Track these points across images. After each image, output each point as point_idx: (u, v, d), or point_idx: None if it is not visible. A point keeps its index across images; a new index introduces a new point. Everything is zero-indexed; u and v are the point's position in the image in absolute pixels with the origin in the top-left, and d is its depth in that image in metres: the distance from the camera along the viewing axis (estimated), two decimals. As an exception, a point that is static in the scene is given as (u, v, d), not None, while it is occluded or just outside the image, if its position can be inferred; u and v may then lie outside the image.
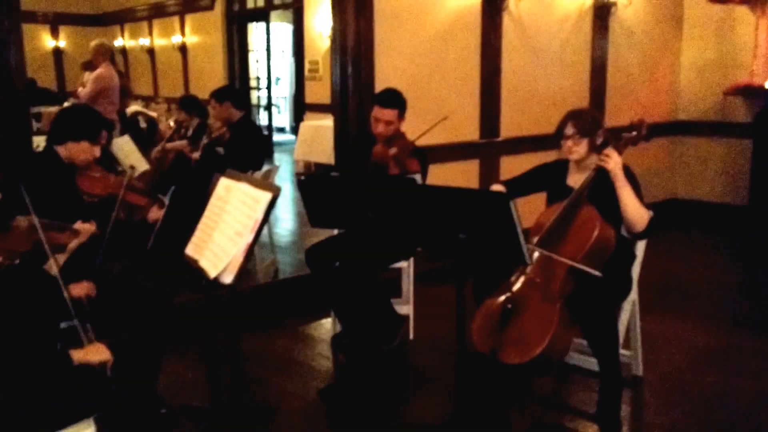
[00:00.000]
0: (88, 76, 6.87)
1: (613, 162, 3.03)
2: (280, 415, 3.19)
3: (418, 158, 3.67)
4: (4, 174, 2.31)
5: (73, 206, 2.94)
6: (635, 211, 3.04)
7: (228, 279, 2.31)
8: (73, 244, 2.61)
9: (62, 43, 13.52)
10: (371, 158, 3.68)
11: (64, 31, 13.52)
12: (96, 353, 2.25)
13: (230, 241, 2.34)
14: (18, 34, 3.33)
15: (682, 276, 5.29)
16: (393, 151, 3.62)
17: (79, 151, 3.02)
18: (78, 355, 2.20)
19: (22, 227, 2.40)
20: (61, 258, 2.54)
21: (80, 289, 2.59)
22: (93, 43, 6.84)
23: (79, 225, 2.65)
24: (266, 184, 2.38)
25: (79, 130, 3.02)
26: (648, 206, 3.10)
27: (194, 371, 3.53)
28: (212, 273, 2.37)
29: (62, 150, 3.01)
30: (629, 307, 3.26)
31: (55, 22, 13.47)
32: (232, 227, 2.38)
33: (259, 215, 2.28)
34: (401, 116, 3.76)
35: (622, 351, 3.23)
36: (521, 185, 3.39)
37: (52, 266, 2.40)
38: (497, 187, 3.33)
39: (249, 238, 2.28)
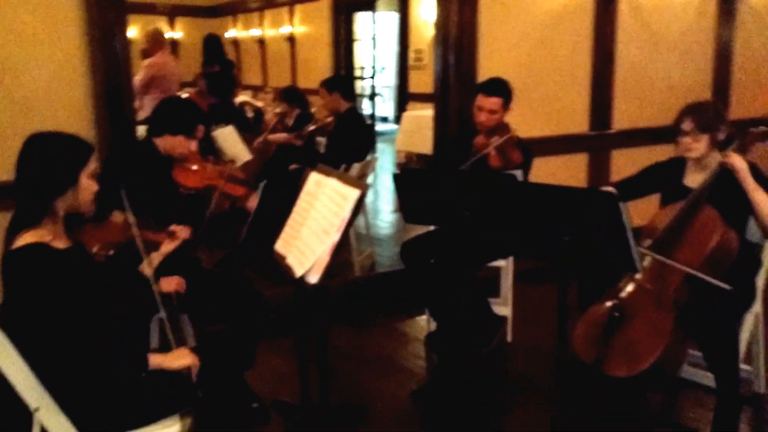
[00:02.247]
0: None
1: (738, 163, 2.76)
2: (370, 415, 3.12)
3: (523, 150, 3.49)
4: (104, 165, 2.35)
5: (170, 198, 2.96)
6: None
7: (313, 279, 2.24)
8: (167, 247, 2.61)
9: (178, 34, 14.02)
10: (472, 150, 3.52)
11: (180, 22, 14.02)
12: (175, 359, 2.20)
13: (317, 239, 2.27)
14: (122, 24, 3.38)
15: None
16: (495, 141, 3.45)
17: (176, 144, 3.04)
18: (156, 360, 2.16)
19: (117, 222, 2.42)
20: (155, 260, 2.55)
21: (170, 284, 2.59)
22: (148, 30, 6.54)
23: (174, 228, 2.64)
24: (355, 181, 2.29)
25: (177, 124, 3.04)
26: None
27: (287, 365, 3.51)
28: (298, 271, 2.30)
29: (160, 142, 3.05)
30: (752, 320, 2.98)
31: (173, 13, 13.98)
32: (319, 224, 2.30)
33: (347, 213, 2.18)
34: (506, 106, 3.60)
35: (742, 366, 2.97)
36: (634, 187, 3.15)
37: (146, 267, 2.40)
38: (607, 190, 3.08)
39: (336, 236, 2.19)
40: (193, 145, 3.08)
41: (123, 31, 3.39)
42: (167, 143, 3.04)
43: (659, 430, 3.05)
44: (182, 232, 2.64)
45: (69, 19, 3.30)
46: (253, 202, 3.16)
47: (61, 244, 2.12)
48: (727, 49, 5.64)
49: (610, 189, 3.05)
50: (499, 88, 3.60)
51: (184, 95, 7.18)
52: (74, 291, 2.05)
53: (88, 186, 2.16)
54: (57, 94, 3.34)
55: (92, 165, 2.17)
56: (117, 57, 3.38)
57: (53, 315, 2.01)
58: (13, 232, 2.08)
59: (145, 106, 5.80)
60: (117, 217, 2.46)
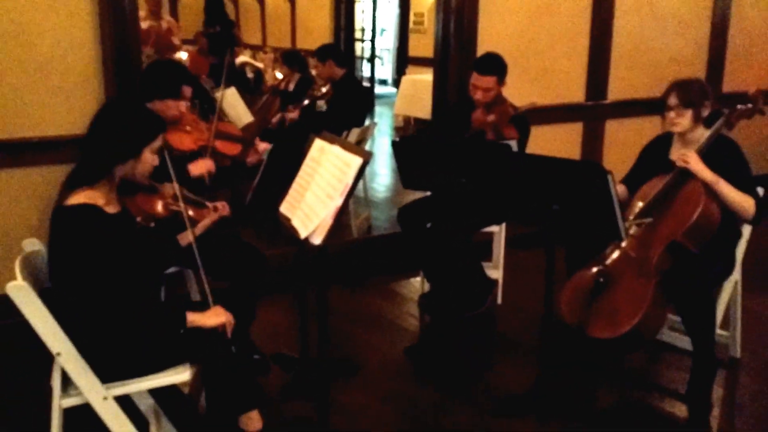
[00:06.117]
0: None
1: (692, 163, 2.87)
2: (365, 370, 3.28)
3: (519, 125, 3.58)
4: None
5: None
6: (737, 204, 2.89)
7: (317, 240, 2.37)
8: (207, 222, 2.74)
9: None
10: (470, 124, 3.62)
11: (179, -22, 13.87)
12: (210, 318, 2.30)
13: (321, 203, 2.39)
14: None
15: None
16: (491, 118, 3.55)
17: (165, 108, 3.08)
18: (192, 318, 2.27)
19: (167, 195, 2.54)
20: (197, 231, 2.67)
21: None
22: None
23: (218, 204, 2.78)
24: (358, 149, 2.41)
25: (160, 88, 3.09)
26: (763, 178, 2.92)
27: (287, 320, 3.66)
28: (303, 233, 2.43)
29: (151, 107, 3.05)
30: (730, 288, 3.13)
31: (171, -31, 13.81)
32: (323, 189, 2.42)
33: (350, 180, 2.30)
34: (501, 82, 3.65)
35: (719, 331, 3.12)
36: (637, 176, 3.21)
37: (186, 237, 2.51)
38: (621, 188, 3.18)
39: (339, 201, 2.32)
40: (183, 106, 3.14)
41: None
42: (157, 108, 3.06)
43: (637, 389, 3.22)
44: (224, 209, 2.79)
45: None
46: (252, 158, 3.26)
47: (111, 209, 2.26)
48: (723, 22, 5.70)
49: (623, 189, 3.19)
50: (493, 65, 3.64)
51: (184, 54, 7.24)
52: (116, 252, 2.18)
53: (150, 160, 2.31)
54: (68, 56, 3.41)
55: (158, 142, 2.31)
56: (125, 13, 3.43)
57: (93, 271, 2.13)
58: (69, 186, 2.21)
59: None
60: (167, 189, 2.57)
